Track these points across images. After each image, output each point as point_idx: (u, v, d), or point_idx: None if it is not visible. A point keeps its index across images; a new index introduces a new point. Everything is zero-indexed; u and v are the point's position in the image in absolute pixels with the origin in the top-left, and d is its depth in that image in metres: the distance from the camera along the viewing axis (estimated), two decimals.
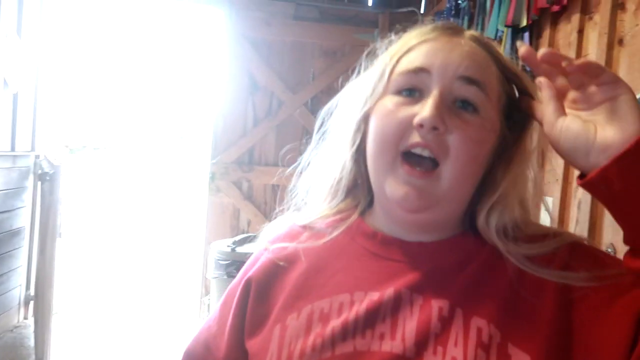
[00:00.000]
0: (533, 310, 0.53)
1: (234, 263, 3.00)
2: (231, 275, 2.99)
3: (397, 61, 0.59)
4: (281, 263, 0.65)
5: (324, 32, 3.48)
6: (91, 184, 9.77)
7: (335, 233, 0.65)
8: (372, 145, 0.59)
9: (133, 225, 6.97)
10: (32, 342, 2.92)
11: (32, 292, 3.16)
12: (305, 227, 0.68)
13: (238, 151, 3.47)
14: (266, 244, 0.69)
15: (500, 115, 0.58)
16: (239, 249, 3.05)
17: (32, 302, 3.18)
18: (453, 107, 0.56)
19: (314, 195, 0.69)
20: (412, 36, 0.61)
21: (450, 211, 0.60)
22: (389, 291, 0.57)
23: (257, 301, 0.64)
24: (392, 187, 0.56)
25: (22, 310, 3.22)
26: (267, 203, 3.53)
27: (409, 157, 0.56)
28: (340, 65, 3.50)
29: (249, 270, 0.68)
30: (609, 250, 1.51)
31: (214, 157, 3.47)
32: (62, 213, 2.96)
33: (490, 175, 0.60)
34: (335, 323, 0.56)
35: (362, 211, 0.67)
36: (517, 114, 0.60)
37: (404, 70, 0.58)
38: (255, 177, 3.49)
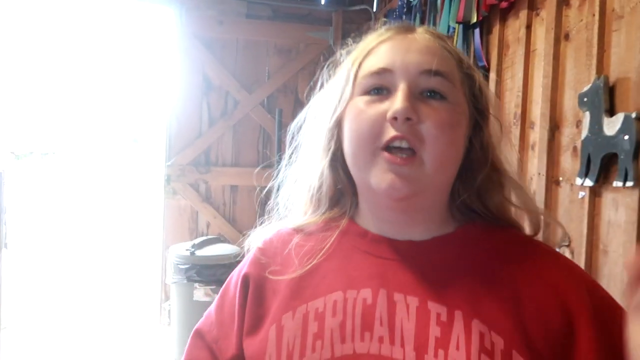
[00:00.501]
0: (537, 314, 0.53)
1: (193, 267, 2.94)
2: (192, 280, 2.93)
3: (360, 65, 0.61)
4: (274, 266, 0.65)
5: (278, 31, 3.46)
6: (40, 190, 9.35)
7: (329, 236, 0.65)
8: (349, 147, 0.60)
9: (86, 233, 6.72)
10: None
11: None
12: (296, 230, 0.68)
13: (194, 152, 3.40)
14: (259, 244, 0.69)
15: (466, 99, 0.60)
16: (199, 252, 2.99)
17: None
18: (421, 97, 0.57)
19: (297, 207, 0.70)
20: (369, 39, 0.63)
21: (436, 198, 0.60)
22: (382, 292, 0.57)
23: (255, 300, 0.64)
24: (377, 178, 0.56)
25: None
26: (227, 204, 3.48)
27: (388, 150, 0.56)
28: (295, 64, 3.49)
29: (243, 268, 0.68)
30: (564, 239, 1.56)
31: (168, 159, 3.39)
32: (8, 222, 2.81)
33: (468, 161, 0.62)
34: (332, 324, 0.57)
35: (351, 215, 0.67)
36: (479, 97, 0.62)
37: (367, 72, 0.59)
38: (213, 178, 3.44)
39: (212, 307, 0.71)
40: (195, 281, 2.93)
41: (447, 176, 0.59)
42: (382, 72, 0.58)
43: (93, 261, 5.29)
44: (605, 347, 0.52)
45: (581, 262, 1.48)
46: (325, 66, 0.69)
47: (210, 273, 2.95)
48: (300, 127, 0.70)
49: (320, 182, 0.66)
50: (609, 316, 0.54)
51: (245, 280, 0.66)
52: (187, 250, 2.99)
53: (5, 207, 2.88)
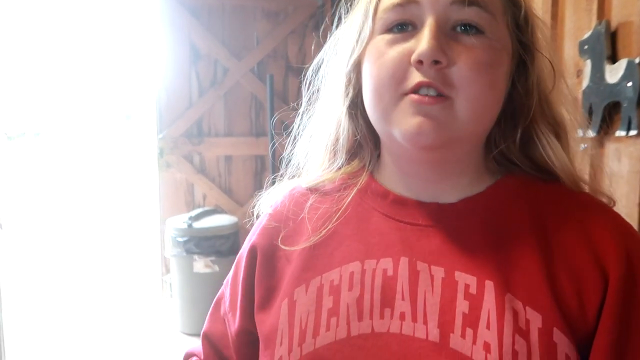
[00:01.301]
0: (580, 292, 0.47)
1: (192, 239, 2.92)
2: (191, 252, 2.92)
3: None
4: (285, 231, 0.59)
5: None
6: (33, 170, 9.29)
7: (345, 196, 0.58)
8: (368, 94, 0.52)
9: (82, 210, 6.70)
10: None
11: None
12: (311, 190, 0.61)
13: (185, 124, 3.34)
14: (269, 210, 0.63)
15: (509, 30, 0.51)
16: (196, 225, 2.97)
17: None
18: (453, 33, 0.49)
19: (312, 160, 0.63)
20: None
21: (470, 149, 0.53)
22: (403, 261, 0.51)
23: (265, 272, 0.59)
24: (401, 123, 0.48)
25: None
26: (222, 175, 3.44)
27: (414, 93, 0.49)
28: (284, 27, 3.39)
29: (251, 237, 0.63)
30: None
31: (160, 131, 3.33)
32: (2, 203, 2.77)
33: (510, 105, 0.54)
34: (348, 298, 0.51)
35: (372, 170, 0.60)
36: (524, 29, 0.52)
37: (389, 5, 0.50)
38: (207, 149, 3.38)
39: (228, 276, 0.67)
40: (194, 253, 2.93)
41: (484, 125, 0.51)
42: (406, 3, 0.49)
43: (91, 239, 5.29)
44: (620, 335, 0.47)
45: None
46: None
47: (209, 244, 2.94)
48: (317, 71, 0.62)
49: (337, 132, 0.60)
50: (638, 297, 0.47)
51: (253, 252, 0.61)
52: (184, 222, 2.97)
53: None
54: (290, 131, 0.67)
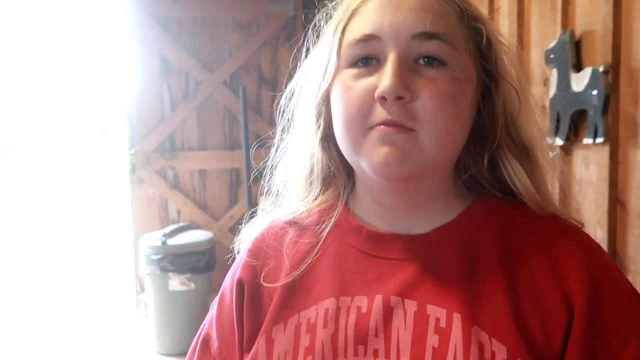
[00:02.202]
0: (545, 322, 0.48)
1: (166, 257, 2.86)
2: (165, 270, 2.85)
3: (343, 30, 0.53)
4: (267, 268, 0.59)
5: (235, 5, 3.32)
6: (4, 187, 9.03)
7: (322, 230, 0.59)
8: (337, 127, 0.53)
9: (55, 228, 6.53)
10: None
11: None
12: (290, 224, 0.62)
13: (158, 138, 3.27)
14: (249, 246, 0.63)
15: (473, 58, 0.52)
16: (170, 241, 2.90)
17: None
18: (416, 66, 0.49)
19: (289, 190, 0.64)
20: None
21: (440, 178, 0.54)
22: (377, 299, 0.52)
23: (252, 310, 0.59)
24: (370, 154, 0.49)
25: None
26: (196, 189, 3.39)
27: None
28: (256, 39, 3.36)
29: (235, 273, 0.62)
30: None
31: (132, 147, 3.26)
32: None
33: (478, 132, 0.54)
34: (323, 336, 0.52)
35: (346, 200, 0.61)
36: (487, 55, 0.53)
37: (352, 40, 0.51)
38: (180, 163, 3.32)
39: (212, 312, 0.64)
40: (169, 271, 2.86)
41: (449, 155, 0.52)
42: (368, 39, 0.50)
43: (63, 257, 5.15)
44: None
45: None
46: (310, 28, 0.60)
47: (184, 261, 2.88)
48: (289, 99, 0.62)
49: (311, 162, 0.60)
50: (606, 327, 0.47)
51: (240, 285, 0.60)
52: (158, 240, 2.90)
53: None
54: (265, 144, 0.67)
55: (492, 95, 0.53)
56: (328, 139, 0.58)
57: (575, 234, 0.53)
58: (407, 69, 0.49)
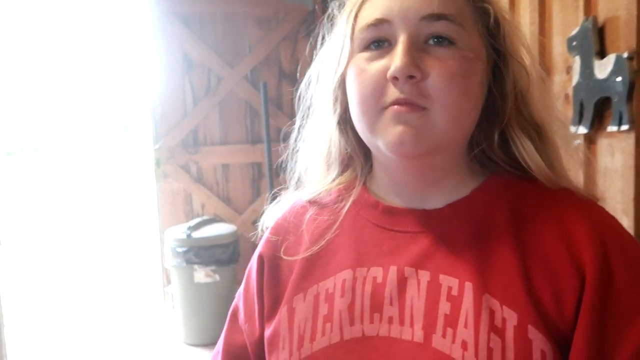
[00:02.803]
0: (556, 289, 0.49)
1: (191, 249, 2.92)
2: (190, 262, 2.91)
3: (355, 17, 0.55)
4: (287, 243, 0.63)
5: (255, 0, 3.35)
6: (33, 185, 9.28)
7: (341, 207, 0.61)
8: (353, 109, 0.55)
9: (82, 224, 6.70)
10: None
11: None
12: (310, 202, 0.65)
13: (181, 133, 3.34)
14: (271, 224, 0.67)
15: (482, 37, 0.53)
16: (195, 234, 2.96)
17: None
18: (426, 46, 0.51)
19: (311, 173, 0.67)
20: None
21: (451, 154, 0.56)
22: (392, 270, 0.54)
23: (271, 282, 0.63)
24: (384, 133, 0.51)
25: None
26: (219, 183, 3.44)
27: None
28: (276, 34, 3.39)
29: (258, 249, 0.67)
30: None
31: (156, 142, 3.33)
32: (1, 219, 2.77)
33: (489, 108, 0.56)
34: (341, 305, 0.55)
35: (364, 180, 0.64)
36: (496, 34, 0.55)
37: (363, 25, 0.54)
38: (203, 158, 3.38)
39: (240, 288, 0.70)
40: (194, 263, 2.92)
41: (462, 131, 0.54)
42: (379, 23, 0.52)
43: (91, 251, 5.28)
44: (597, 334, 0.47)
45: None
46: (325, 19, 0.62)
47: (208, 254, 2.94)
48: (308, 87, 0.65)
49: (329, 145, 0.63)
50: (616, 294, 0.48)
51: (261, 261, 0.65)
52: (183, 232, 2.96)
53: None
54: (287, 138, 0.70)
55: (502, 73, 0.55)
56: (345, 122, 0.60)
57: (586, 204, 0.54)
58: (417, 49, 0.51)
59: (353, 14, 0.55)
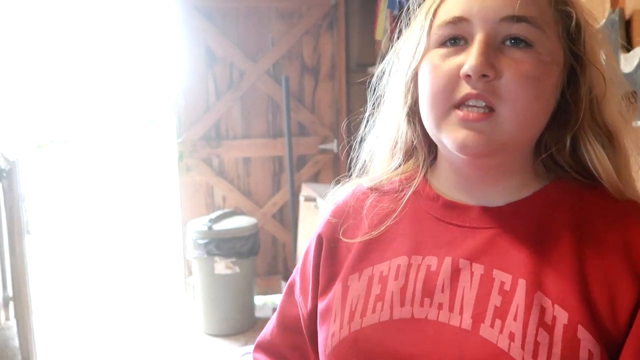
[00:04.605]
0: (604, 284, 0.50)
1: (212, 241, 2.96)
2: (211, 254, 2.95)
3: (434, 14, 0.56)
4: (346, 225, 0.66)
5: None
6: (61, 177, 9.53)
7: (402, 197, 0.63)
8: (423, 103, 0.57)
9: (109, 215, 6.85)
10: (17, 343, 2.86)
11: (9, 292, 3.08)
12: (371, 189, 0.68)
13: (203, 127, 3.38)
14: (332, 207, 0.70)
15: (561, 41, 0.53)
16: (216, 227, 3.00)
17: (11, 303, 3.10)
18: (502, 47, 0.52)
19: (375, 160, 0.70)
20: None
21: (518, 155, 0.56)
22: (447, 260, 0.56)
23: (328, 260, 0.66)
24: (449, 136, 0.53)
25: (2, 312, 3.15)
26: (241, 177, 3.47)
27: (461, 108, 0.52)
28: (298, 28, 3.39)
29: (318, 229, 0.70)
30: None
31: (179, 135, 3.38)
32: (28, 209, 2.87)
33: (562, 113, 0.56)
34: (394, 287, 0.57)
35: (425, 172, 0.65)
36: (576, 39, 0.54)
37: (442, 22, 0.54)
38: (225, 152, 3.42)
39: (298, 264, 0.74)
40: (215, 255, 2.96)
41: (530, 134, 0.54)
42: (458, 21, 0.53)
43: (116, 242, 5.40)
44: None
45: None
46: (405, 11, 0.63)
47: (229, 246, 2.97)
48: (380, 79, 0.67)
49: (396, 135, 0.65)
50: None
51: (320, 240, 0.68)
52: (204, 225, 3.01)
53: (24, 195, 2.92)
54: (355, 128, 0.73)
55: (578, 78, 0.54)
56: (414, 114, 0.62)
57: None
58: (494, 49, 0.51)
59: (432, 10, 0.56)
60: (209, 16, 3.31)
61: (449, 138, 0.53)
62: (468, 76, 0.50)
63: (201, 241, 2.97)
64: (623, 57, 1.31)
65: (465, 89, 0.51)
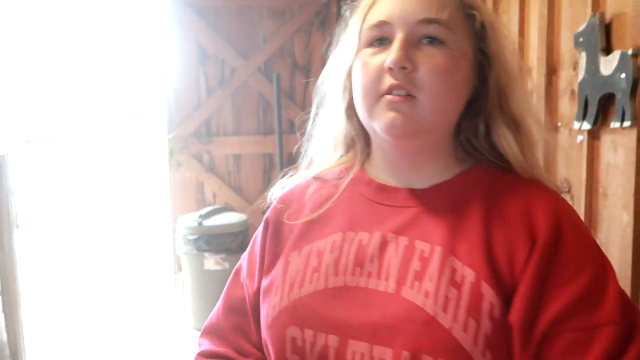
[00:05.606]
0: (511, 254, 0.57)
1: (202, 237, 2.97)
2: (201, 249, 2.97)
3: (364, 18, 0.65)
4: (290, 211, 0.74)
5: None
6: (50, 172, 9.46)
7: (340, 184, 0.72)
8: (357, 96, 0.65)
9: (97, 210, 6.82)
10: (4, 337, 2.85)
11: None
12: (314, 178, 0.76)
13: (194, 124, 3.39)
14: (279, 195, 0.78)
15: (471, 41, 0.63)
16: (206, 222, 3.02)
17: None
18: (420, 44, 0.61)
19: (319, 153, 0.78)
20: None
21: (438, 139, 0.64)
22: (377, 235, 0.64)
23: (273, 241, 0.73)
24: (379, 118, 0.61)
25: None
26: (231, 173, 3.49)
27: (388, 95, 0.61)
28: (289, 26, 3.41)
29: (266, 215, 0.78)
30: (564, 185, 1.54)
31: (170, 131, 3.39)
32: (17, 203, 2.86)
33: (476, 103, 0.65)
34: (329, 259, 0.65)
35: (362, 162, 0.74)
36: (483, 37, 0.64)
37: (369, 26, 0.64)
38: (215, 148, 3.43)
39: (245, 252, 0.80)
40: (205, 251, 2.98)
41: (446, 118, 0.63)
42: (382, 24, 0.62)
43: (105, 238, 5.39)
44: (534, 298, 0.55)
45: (581, 207, 1.46)
46: (342, 24, 0.72)
47: (219, 242, 2.99)
48: (323, 82, 0.76)
49: (336, 129, 0.73)
50: (557, 273, 0.56)
51: (266, 224, 0.76)
52: (194, 220, 3.02)
53: (13, 189, 2.91)
54: (301, 127, 0.80)
55: (486, 71, 0.64)
56: (351, 109, 0.70)
57: (550, 192, 0.63)
58: (412, 46, 0.60)
59: (362, 16, 0.65)
60: (201, 13, 3.32)
61: (379, 121, 0.61)
62: (390, 69, 0.59)
63: (191, 237, 2.99)
64: (602, 60, 1.35)
65: (389, 80, 0.60)
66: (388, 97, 0.60)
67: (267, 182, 3.52)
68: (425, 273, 0.59)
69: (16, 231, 2.88)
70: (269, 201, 0.80)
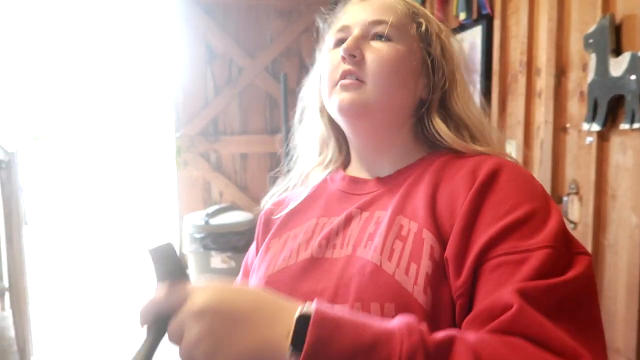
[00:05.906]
0: (453, 203, 0.63)
1: (208, 235, 2.99)
2: (208, 248, 2.98)
3: (334, 28, 0.77)
4: (279, 208, 0.82)
5: None
6: (57, 169, 9.51)
7: (320, 178, 0.81)
8: (322, 87, 0.75)
9: (105, 208, 6.85)
10: (13, 333, 2.88)
11: (5, 283, 3.10)
12: (300, 179, 0.85)
13: (202, 122, 3.40)
14: (272, 192, 0.87)
15: (418, 43, 0.74)
16: (213, 221, 3.03)
17: (7, 293, 3.12)
18: (371, 41, 0.72)
19: (303, 154, 0.86)
20: (344, 8, 0.78)
21: (390, 121, 0.73)
22: (344, 214, 0.72)
23: (264, 234, 0.82)
24: (335, 99, 0.71)
25: None
26: (237, 172, 3.50)
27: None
28: (297, 26, 3.42)
29: (260, 213, 0.87)
30: (572, 186, 1.54)
31: (177, 130, 3.40)
32: (26, 200, 2.89)
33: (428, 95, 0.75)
34: (301, 240, 0.73)
35: (342, 160, 0.82)
36: (430, 42, 0.75)
37: (334, 30, 0.76)
38: (222, 147, 3.44)
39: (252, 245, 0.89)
40: (211, 249, 2.99)
41: (396, 103, 0.72)
42: (344, 28, 0.74)
43: (112, 236, 5.41)
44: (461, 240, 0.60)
45: (589, 208, 1.45)
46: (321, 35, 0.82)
47: (225, 240, 3.00)
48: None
49: (316, 131, 0.82)
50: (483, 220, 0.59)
51: (260, 221, 0.85)
52: (201, 219, 3.04)
53: (22, 186, 2.94)
54: (287, 140, 0.89)
55: (431, 71, 0.74)
56: (324, 108, 0.78)
57: (500, 157, 0.68)
58: (363, 40, 0.72)
59: (334, 24, 0.77)
60: (210, 12, 3.34)
61: (335, 102, 0.71)
62: (343, 57, 0.70)
63: (197, 235, 3.00)
64: (612, 61, 1.35)
65: (342, 67, 0.70)
66: (342, 82, 0.70)
67: (274, 181, 3.52)
68: (376, 233, 0.66)
69: (25, 228, 2.90)
70: (262, 207, 0.88)
